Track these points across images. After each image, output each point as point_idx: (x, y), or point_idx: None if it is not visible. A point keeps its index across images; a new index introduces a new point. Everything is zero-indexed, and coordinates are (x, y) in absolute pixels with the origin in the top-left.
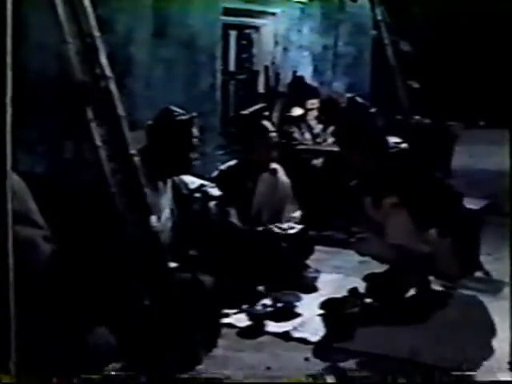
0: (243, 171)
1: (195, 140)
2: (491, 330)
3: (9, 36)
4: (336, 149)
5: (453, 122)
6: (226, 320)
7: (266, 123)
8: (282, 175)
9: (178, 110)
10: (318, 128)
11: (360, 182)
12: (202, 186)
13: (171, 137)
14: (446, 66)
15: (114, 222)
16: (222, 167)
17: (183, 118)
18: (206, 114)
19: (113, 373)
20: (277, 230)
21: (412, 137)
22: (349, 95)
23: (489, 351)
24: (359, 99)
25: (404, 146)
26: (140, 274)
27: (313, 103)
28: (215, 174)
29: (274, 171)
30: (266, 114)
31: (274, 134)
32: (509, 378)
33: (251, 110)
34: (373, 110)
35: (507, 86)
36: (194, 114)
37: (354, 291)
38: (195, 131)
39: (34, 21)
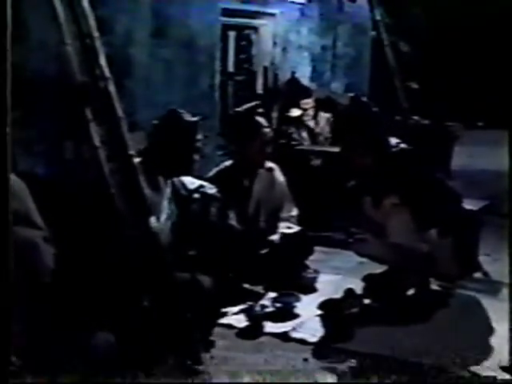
0: (239, 170)
1: (199, 142)
2: (489, 330)
3: (9, 36)
4: (335, 149)
5: (452, 122)
6: (224, 320)
7: (260, 120)
8: (278, 174)
9: (184, 111)
10: (316, 128)
11: (360, 182)
12: (201, 186)
13: (178, 138)
14: (445, 66)
15: (113, 223)
16: (219, 167)
17: (191, 119)
18: (205, 115)
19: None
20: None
21: (411, 137)
22: (352, 94)
23: (487, 350)
24: (363, 98)
25: (404, 145)
26: (139, 275)
27: (307, 103)
28: (212, 173)
29: (271, 170)
30: (260, 110)
31: (268, 130)
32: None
33: (245, 107)
34: (376, 108)
35: (507, 86)
36: (200, 116)
37: (350, 292)
38: (200, 134)
39: (34, 21)
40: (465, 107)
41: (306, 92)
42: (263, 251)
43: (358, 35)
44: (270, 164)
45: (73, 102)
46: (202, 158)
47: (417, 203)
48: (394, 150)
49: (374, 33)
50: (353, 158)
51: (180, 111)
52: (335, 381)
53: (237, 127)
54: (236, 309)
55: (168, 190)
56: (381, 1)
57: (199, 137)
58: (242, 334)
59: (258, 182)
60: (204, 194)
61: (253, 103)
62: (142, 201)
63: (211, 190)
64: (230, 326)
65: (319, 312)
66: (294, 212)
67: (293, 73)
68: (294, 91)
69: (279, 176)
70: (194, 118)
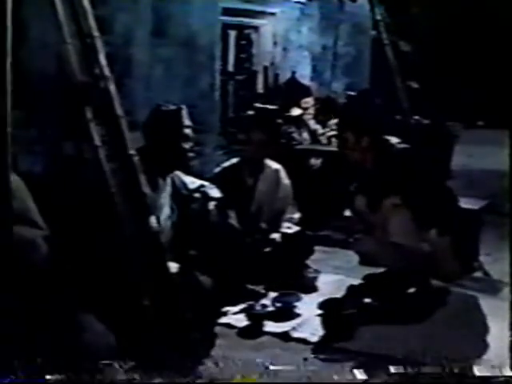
0: (244, 168)
1: (187, 130)
2: (489, 329)
3: (9, 36)
4: (335, 148)
5: (452, 122)
6: (225, 320)
7: (275, 122)
8: (283, 176)
9: (166, 104)
10: (317, 128)
11: (360, 182)
12: (202, 186)
13: (160, 128)
14: (445, 66)
15: (113, 222)
16: (224, 164)
17: (169, 108)
18: (205, 114)
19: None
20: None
21: (411, 137)
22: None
23: (487, 350)
24: (369, 92)
25: (405, 145)
26: (139, 274)
27: (307, 102)
28: (216, 171)
29: (276, 171)
30: (276, 114)
31: (275, 132)
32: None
33: (264, 106)
34: (381, 104)
35: (507, 86)
36: (182, 105)
37: (352, 288)
38: (186, 121)
39: (34, 21)
40: (465, 107)
41: (306, 91)
42: (264, 251)
43: (358, 35)
44: (275, 165)
45: (73, 101)
46: (201, 156)
47: (418, 203)
48: (395, 148)
49: (374, 32)
50: (355, 155)
51: (161, 104)
52: (335, 381)
53: (248, 127)
54: (236, 308)
55: (168, 190)
56: (381, 0)
57: (187, 123)
58: (243, 333)
59: (262, 182)
60: (204, 194)
61: (271, 106)
62: (142, 200)
63: (212, 189)
64: (230, 326)
65: (320, 311)
66: (296, 215)
67: (293, 72)
68: (294, 91)
69: (284, 178)
70: (175, 107)
